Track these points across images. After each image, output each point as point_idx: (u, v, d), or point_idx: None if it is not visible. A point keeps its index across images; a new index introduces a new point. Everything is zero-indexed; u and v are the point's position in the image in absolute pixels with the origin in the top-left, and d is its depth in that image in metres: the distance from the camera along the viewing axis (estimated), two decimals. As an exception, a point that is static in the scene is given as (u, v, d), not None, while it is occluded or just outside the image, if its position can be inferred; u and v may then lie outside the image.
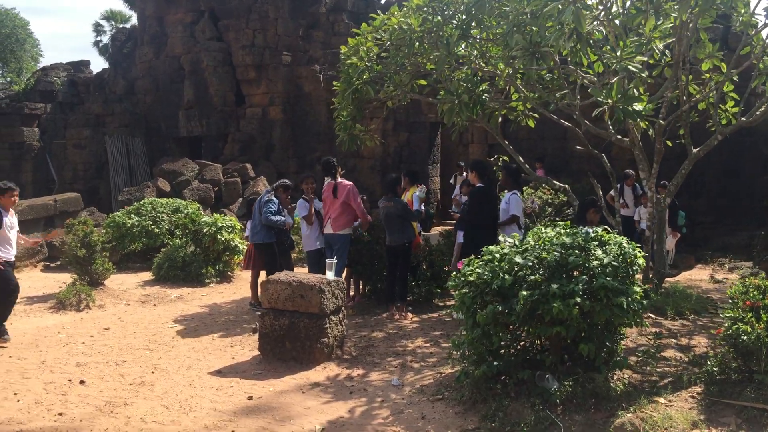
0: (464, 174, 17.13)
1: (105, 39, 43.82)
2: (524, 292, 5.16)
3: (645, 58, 6.98)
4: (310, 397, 5.92)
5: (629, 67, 6.88)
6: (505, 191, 10.26)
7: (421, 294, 9.27)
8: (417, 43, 9.43)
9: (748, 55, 8.86)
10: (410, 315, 8.63)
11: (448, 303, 9.55)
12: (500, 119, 11.20)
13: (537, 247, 5.59)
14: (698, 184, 14.79)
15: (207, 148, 20.32)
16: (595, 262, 5.31)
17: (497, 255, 5.64)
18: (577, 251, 5.41)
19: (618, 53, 6.95)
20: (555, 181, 10.42)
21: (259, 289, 8.22)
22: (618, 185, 13.57)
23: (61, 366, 6.86)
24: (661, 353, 6.49)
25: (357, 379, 6.35)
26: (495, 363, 5.42)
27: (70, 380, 6.40)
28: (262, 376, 6.51)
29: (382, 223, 9.06)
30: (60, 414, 5.56)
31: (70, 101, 26.04)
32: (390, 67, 10.12)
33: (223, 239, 11.93)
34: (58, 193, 23.17)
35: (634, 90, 7.11)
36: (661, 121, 8.80)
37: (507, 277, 5.32)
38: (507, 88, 10.29)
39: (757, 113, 9.41)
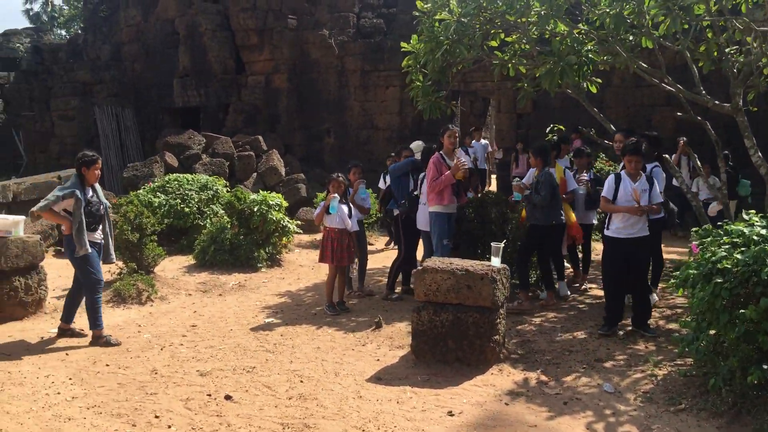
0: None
1: (36, 7, 41.06)
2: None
3: None
4: (520, 410, 4.95)
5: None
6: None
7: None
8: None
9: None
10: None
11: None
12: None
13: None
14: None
15: (206, 120, 18.80)
16: None
17: (755, 237, 4.76)
18: None
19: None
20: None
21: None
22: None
23: (181, 376, 5.71)
24: None
25: (553, 385, 5.41)
26: (766, 367, 4.55)
27: (209, 395, 5.27)
28: (433, 383, 5.51)
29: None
30: (236, 443, 4.47)
31: (35, 70, 23.97)
32: (470, 27, 9.09)
33: (274, 219, 10.73)
34: (27, 171, 21.28)
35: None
36: None
37: (790, 264, 4.44)
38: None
39: None
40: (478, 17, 9.00)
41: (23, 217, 7.72)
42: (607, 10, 8.22)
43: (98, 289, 6.67)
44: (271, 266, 10.70)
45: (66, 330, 6.89)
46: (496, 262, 5.97)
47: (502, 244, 6.07)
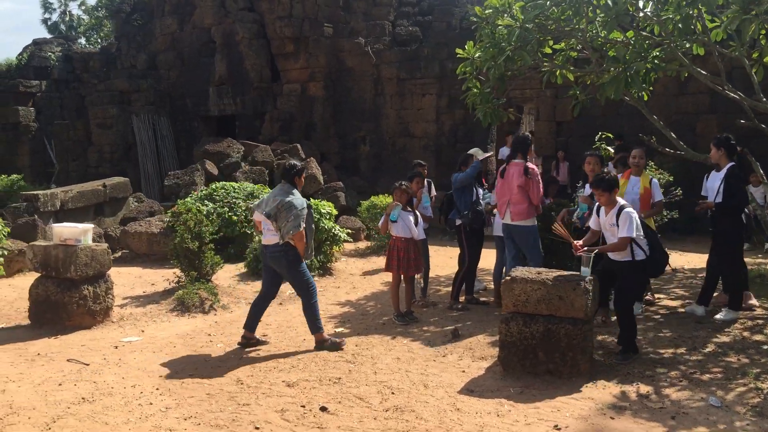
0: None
1: (54, 17, 41.32)
2: None
3: None
4: (628, 424, 4.81)
5: None
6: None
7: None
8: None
9: None
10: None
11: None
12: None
13: None
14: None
15: (242, 128, 18.81)
16: None
17: None
18: None
19: None
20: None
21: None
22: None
23: (268, 387, 5.62)
24: None
25: (654, 398, 5.27)
26: None
27: (303, 406, 5.18)
28: (528, 396, 5.38)
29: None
30: (347, 458, 4.36)
31: (66, 78, 24.07)
32: (532, 33, 8.96)
33: (325, 227, 10.65)
34: (59, 179, 21.32)
35: None
36: None
37: None
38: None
39: None
40: (534, 23, 8.91)
41: (92, 226, 7.69)
42: (671, 16, 8.11)
43: (315, 293, 6.75)
44: (322, 275, 10.62)
45: (250, 338, 6.85)
46: (586, 272, 5.85)
47: (593, 254, 5.95)
